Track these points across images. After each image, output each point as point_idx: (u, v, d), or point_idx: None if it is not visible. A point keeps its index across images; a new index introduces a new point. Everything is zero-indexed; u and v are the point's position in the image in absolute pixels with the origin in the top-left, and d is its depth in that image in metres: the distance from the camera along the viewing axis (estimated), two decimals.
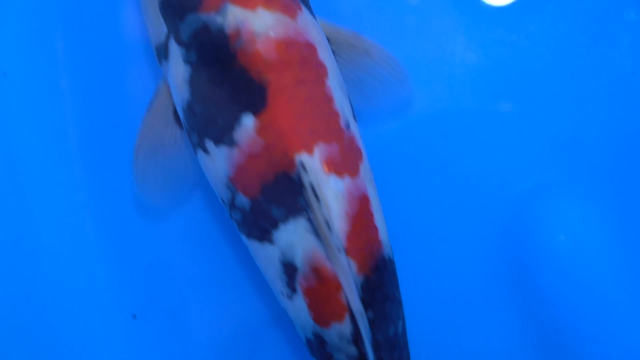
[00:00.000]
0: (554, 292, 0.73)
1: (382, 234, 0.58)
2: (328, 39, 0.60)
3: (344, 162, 0.55)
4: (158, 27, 0.59)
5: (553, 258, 0.73)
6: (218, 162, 0.56)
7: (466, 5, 0.76)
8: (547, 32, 0.76)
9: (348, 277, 0.53)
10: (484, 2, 0.76)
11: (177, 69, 0.57)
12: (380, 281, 0.56)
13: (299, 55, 0.55)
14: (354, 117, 0.59)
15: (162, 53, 0.59)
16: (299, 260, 0.55)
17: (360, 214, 0.56)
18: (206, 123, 0.56)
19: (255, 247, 0.58)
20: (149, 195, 0.64)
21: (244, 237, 0.59)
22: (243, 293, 0.76)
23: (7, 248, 0.77)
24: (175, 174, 0.65)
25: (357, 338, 0.55)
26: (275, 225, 0.55)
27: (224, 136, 0.55)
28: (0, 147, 0.77)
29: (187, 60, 0.56)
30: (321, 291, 0.55)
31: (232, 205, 0.57)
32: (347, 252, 0.54)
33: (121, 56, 0.78)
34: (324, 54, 0.57)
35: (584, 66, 0.76)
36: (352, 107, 0.60)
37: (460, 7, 0.76)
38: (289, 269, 0.56)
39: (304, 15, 0.57)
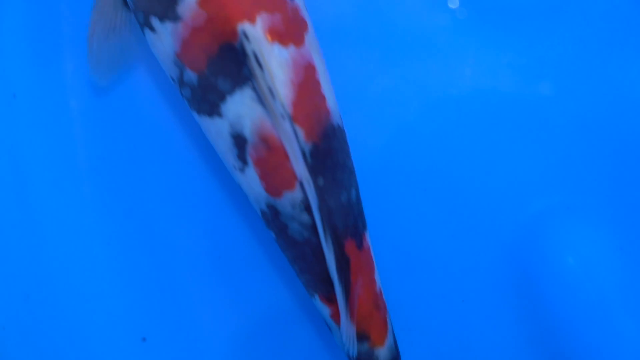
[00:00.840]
0: (562, 314, 0.74)
1: (330, 102, 0.58)
2: None
3: (288, 32, 0.56)
4: None
5: (562, 280, 0.74)
6: (164, 38, 0.57)
7: (477, 28, 0.76)
8: (557, 55, 0.76)
9: (293, 143, 0.54)
10: (494, 25, 0.76)
11: None
12: (329, 148, 0.57)
13: None
14: None
15: None
16: (248, 131, 0.56)
17: (307, 82, 0.56)
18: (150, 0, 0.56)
19: (206, 123, 0.59)
20: (106, 80, 0.65)
21: (195, 115, 0.59)
22: (255, 315, 0.77)
23: (17, 267, 0.77)
24: (128, 54, 0.65)
25: (309, 205, 0.56)
26: (222, 97, 0.56)
27: (168, 11, 0.55)
28: (11, 167, 0.77)
29: None
30: (270, 160, 0.56)
31: (181, 82, 0.58)
32: (294, 119, 0.54)
33: (129, 76, 0.78)
34: None
35: (593, 90, 0.75)
36: None
37: (471, 29, 0.76)
38: (239, 141, 0.57)
39: None
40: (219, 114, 0.57)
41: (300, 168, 0.54)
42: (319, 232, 0.55)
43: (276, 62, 0.54)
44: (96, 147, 0.78)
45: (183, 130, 0.77)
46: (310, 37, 0.57)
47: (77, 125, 0.78)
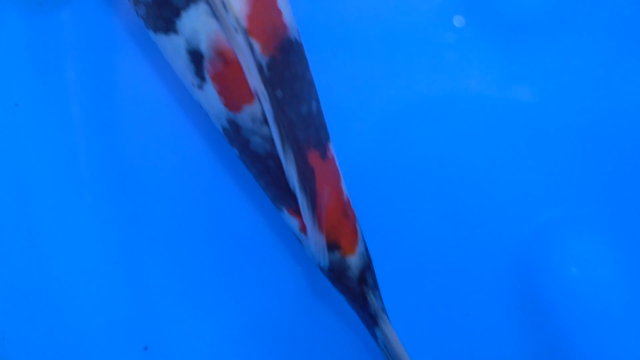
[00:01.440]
0: (566, 323, 0.74)
1: (287, 17, 0.58)
2: None
3: None
4: None
5: (565, 290, 0.74)
6: None
7: (481, 40, 0.75)
8: (562, 67, 0.75)
9: (247, 57, 0.54)
10: (499, 38, 0.75)
11: None
12: (287, 61, 0.57)
13: None
14: None
15: None
16: (204, 46, 0.56)
17: None
18: None
19: (163, 41, 0.58)
20: None
21: (151, 34, 0.59)
22: (259, 324, 0.77)
23: (18, 276, 0.77)
24: None
25: None
26: (177, 13, 0.56)
27: None
28: (13, 174, 0.77)
29: None
30: (228, 74, 0.56)
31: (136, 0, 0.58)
32: (249, 32, 0.54)
33: (131, 84, 0.77)
34: None
35: (599, 104, 0.75)
36: None
37: (476, 41, 0.75)
38: (196, 57, 0.57)
39: None
40: (175, 31, 0.56)
41: (254, 81, 0.55)
42: (277, 144, 0.55)
43: None
44: (98, 155, 0.78)
45: (185, 136, 0.77)
46: None
47: (79, 133, 0.78)
